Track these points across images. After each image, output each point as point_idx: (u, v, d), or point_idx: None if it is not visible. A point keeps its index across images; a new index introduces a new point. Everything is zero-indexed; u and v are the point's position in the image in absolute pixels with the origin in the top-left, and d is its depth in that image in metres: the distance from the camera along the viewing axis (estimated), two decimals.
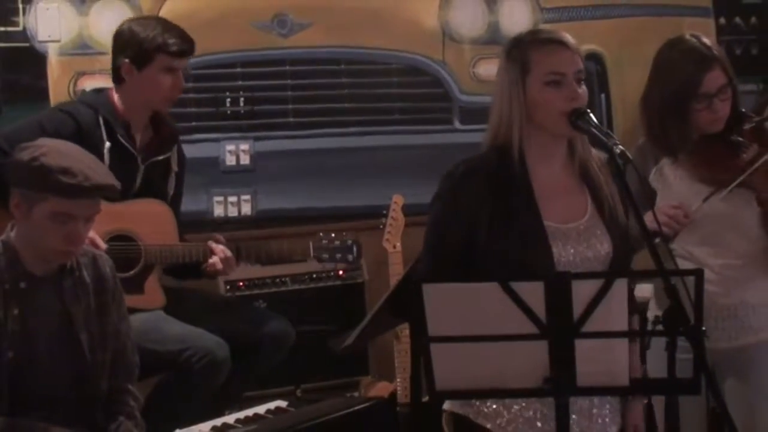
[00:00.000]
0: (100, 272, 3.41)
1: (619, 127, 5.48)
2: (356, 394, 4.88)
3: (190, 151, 5.03)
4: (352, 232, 4.38)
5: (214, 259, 4.09)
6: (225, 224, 4.57)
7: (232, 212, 5.22)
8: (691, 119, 3.49)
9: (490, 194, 2.93)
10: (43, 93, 4.79)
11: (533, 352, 2.52)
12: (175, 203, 4.25)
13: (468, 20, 5.55)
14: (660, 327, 2.60)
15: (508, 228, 2.91)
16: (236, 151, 5.23)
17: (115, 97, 4.10)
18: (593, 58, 5.48)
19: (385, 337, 4.62)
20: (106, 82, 4.24)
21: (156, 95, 4.08)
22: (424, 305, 2.51)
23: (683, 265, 3.42)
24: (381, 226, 4.85)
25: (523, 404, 2.91)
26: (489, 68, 5.56)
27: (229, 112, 5.21)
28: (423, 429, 4.54)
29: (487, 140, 3.03)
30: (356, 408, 3.60)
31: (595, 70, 5.50)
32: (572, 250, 2.92)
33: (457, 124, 5.57)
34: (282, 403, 3.66)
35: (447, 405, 3.05)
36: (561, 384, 2.53)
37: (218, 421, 3.50)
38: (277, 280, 4.92)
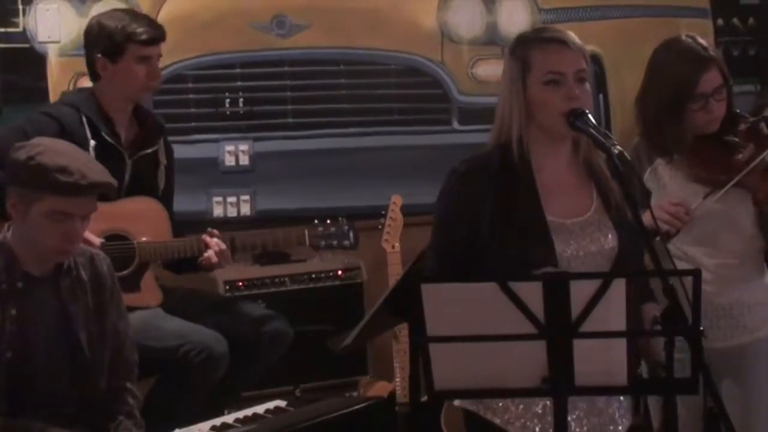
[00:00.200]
0: (98, 271, 3.41)
1: (616, 127, 5.49)
2: (355, 393, 4.89)
3: (190, 151, 5.07)
4: (348, 219, 4.38)
5: (209, 253, 4.10)
6: (224, 224, 4.57)
7: (232, 212, 5.22)
8: (686, 119, 3.50)
9: (493, 191, 2.94)
10: (43, 94, 4.78)
11: (532, 352, 2.52)
12: (167, 197, 4.26)
13: (466, 21, 5.55)
14: (658, 327, 2.62)
15: (510, 224, 2.92)
16: (235, 152, 5.23)
17: (97, 94, 4.10)
18: (591, 58, 5.48)
19: (384, 337, 4.62)
20: None
21: (133, 86, 4.07)
22: (423, 305, 2.51)
23: (679, 264, 3.44)
24: (380, 227, 4.86)
25: (532, 399, 2.91)
26: (487, 69, 5.58)
27: (228, 112, 5.21)
28: (422, 428, 4.56)
29: (492, 137, 3.05)
30: (355, 408, 3.59)
31: (593, 71, 5.51)
32: (575, 245, 2.93)
33: (456, 125, 5.58)
34: (281, 403, 3.64)
35: (457, 402, 3.06)
36: (559, 384, 2.53)
37: (217, 421, 3.48)
38: (276, 280, 4.93)
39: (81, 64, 4.18)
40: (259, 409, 3.58)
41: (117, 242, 4.00)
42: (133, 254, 4.04)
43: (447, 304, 2.53)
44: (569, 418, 2.92)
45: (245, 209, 5.25)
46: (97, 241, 3.86)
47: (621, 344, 2.54)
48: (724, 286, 3.50)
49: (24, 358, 3.25)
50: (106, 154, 3.96)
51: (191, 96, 5.14)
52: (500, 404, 2.96)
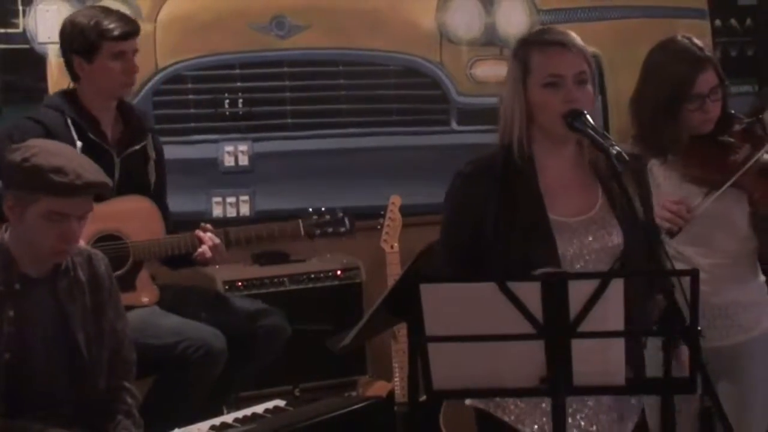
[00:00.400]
0: (96, 271, 3.41)
1: (614, 128, 5.49)
2: (354, 393, 4.89)
3: (189, 152, 5.07)
4: (343, 208, 4.40)
5: (203, 248, 4.09)
6: (224, 225, 4.57)
7: (231, 213, 5.22)
8: (682, 119, 3.51)
9: (496, 192, 2.96)
10: (42, 94, 4.75)
11: (530, 352, 2.52)
12: (159, 192, 4.25)
13: (465, 22, 5.56)
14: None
15: (512, 224, 2.94)
16: (235, 152, 5.23)
17: (79, 95, 4.09)
18: None
19: (383, 336, 4.62)
20: None
21: (111, 83, 4.05)
22: (422, 305, 2.52)
23: (674, 264, 3.44)
24: (379, 227, 4.87)
25: (541, 398, 2.91)
26: (486, 69, 5.59)
27: (227, 113, 5.21)
28: (420, 428, 4.57)
29: (497, 138, 3.06)
30: (354, 407, 3.60)
31: None
32: (578, 243, 2.94)
33: (455, 125, 5.58)
34: (280, 403, 3.65)
35: (468, 401, 3.06)
36: (557, 383, 2.54)
37: (217, 421, 3.49)
38: (276, 280, 4.93)
39: None
40: (259, 408, 3.59)
41: (110, 242, 3.98)
42: (127, 254, 4.03)
43: (445, 303, 2.53)
44: (578, 417, 2.95)
45: (244, 209, 5.25)
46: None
47: (619, 344, 2.54)
48: (719, 286, 3.51)
49: (22, 359, 3.25)
50: (93, 154, 3.88)
51: (191, 96, 5.14)
52: (510, 403, 2.97)
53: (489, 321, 2.51)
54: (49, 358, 3.30)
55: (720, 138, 3.55)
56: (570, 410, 2.92)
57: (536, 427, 2.95)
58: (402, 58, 5.47)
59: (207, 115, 5.18)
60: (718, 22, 6.00)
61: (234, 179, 5.25)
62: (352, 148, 5.42)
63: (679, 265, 3.41)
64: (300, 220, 4.30)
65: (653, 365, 2.85)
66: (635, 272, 2.93)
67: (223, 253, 4.14)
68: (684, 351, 2.78)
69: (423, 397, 2.91)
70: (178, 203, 4.55)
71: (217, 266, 4.62)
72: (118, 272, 3.89)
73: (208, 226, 4.15)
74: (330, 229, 4.35)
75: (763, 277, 3.70)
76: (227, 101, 5.21)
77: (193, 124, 5.15)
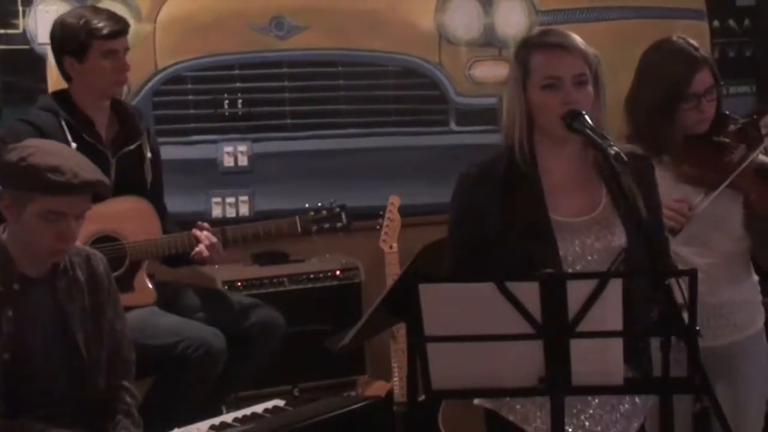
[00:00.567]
0: (94, 271, 3.42)
1: (614, 128, 5.50)
2: (353, 393, 4.89)
3: (189, 152, 5.07)
4: (339, 202, 4.41)
5: (200, 247, 4.09)
6: (223, 225, 4.57)
7: (230, 213, 5.22)
8: (678, 119, 3.52)
9: (499, 193, 2.97)
10: (42, 95, 4.77)
11: (529, 352, 2.52)
12: (155, 191, 4.24)
13: (464, 23, 5.56)
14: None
15: (514, 224, 2.95)
16: (234, 153, 5.23)
17: (72, 95, 4.08)
18: None
19: (382, 336, 4.62)
20: None
21: (102, 82, 4.05)
22: (421, 305, 2.52)
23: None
24: (378, 227, 4.87)
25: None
26: (484, 70, 5.59)
27: (227, 113, 5.21)
28: (419, 428, 4.58)
29: (498, 139, 3.08)
30: (353, 407, 3.60)
31: None
32: (580, 243, 2.95)
33: (453, 126, 5.59)
34: (279, 403, 3.65)
35: (477, 401, 3.07)
36: (556, 383, 2.54)
37: (216, 420, 3.49)
38: (275, 280, 4.93)
39: None
40: (258, 408, 3.59)
41: (107, 243, 3.98)
42: (124, 254, 4.03)
43: (444, 303, 2.54)
44: (582, 417, 2.96)
45: (244, 210, 5.25)
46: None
47: (618, 344, 2.54)
48: (714, 286, 3.52)
49: (22, 359, 3.25)
50: (88, 155, 3.81)
51: (190, 97, 5.14)
52: (516, 402, 2.98)
53: (488, 321, 2.52)
54: (48, 358, 3.30)
55: (715, 138, 3.56)
56: (575, 410, 2.95)
57: (542, 426, 2.95)
58: (401, 58, 5.47)
59: (206, 115, 5.18)
60: (716, 23, 6.00)
61: (233, 179, 5.25)
62: (351, 148, 5.43)
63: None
64: (297, 217, 4.31)
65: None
66: (633, 272, 2.93)
67: (220, 252, 4.14)
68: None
69: (422, 397, 2.92)
70: (177, 203, 4.55)
71: (217, 266, 4.63)
72: (116, 273, 3.88)
73: (205, 225, 4.15)
74: (327, 225, 4.36)
75: (756, 277, 3.71)
76: (227, 102, 5.21)
77: (192, 125, 5.15)
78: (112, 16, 4.09)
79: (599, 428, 2.96)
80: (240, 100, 5.24)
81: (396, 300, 3.41)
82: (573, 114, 2.90)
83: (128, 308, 3.70)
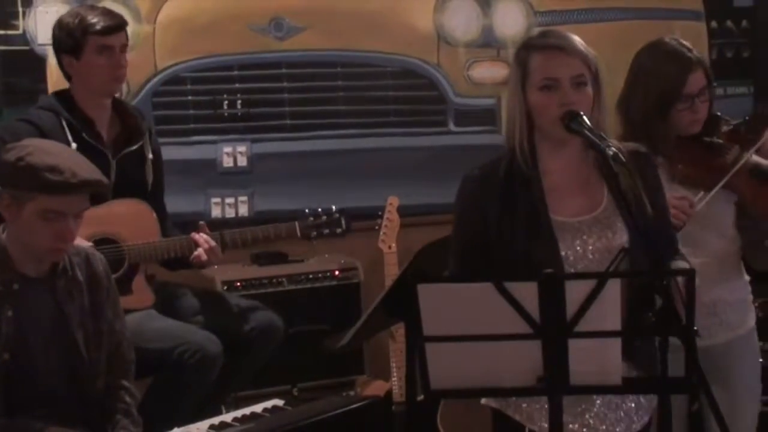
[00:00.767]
0: (94, 271, 3.42)
1: (612, 128, 5.51)
2: (352, 393, 4.89)
3: (188, 152, 5.07)
4: (339, 207, 4.41)
5: (199, 251, 4.09)
6: (222, 225, 4.58)
7: (230, 213, 5.22)
8: (671, 120, 3.53)
9: (500, 195, 2.98)
10: (43, 95, 4.77)
11: (527, 352, 2.53)
12: (156, 192, 4.24)
13: (462, 24, 5.57)
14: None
15: (515, 225, 2.96)
16: (233, 153, 5.23)
17: (73, 95, 4.08)
18: None
19: (381, 336, 4.63)
20: None
21: (98, 79, 4.04)
22: (419, 305, 2.53)
23: None
24: (376, 227, 4.87)
25: None
26: (483, 71, 5.60)
27: (226, 114, 5.21)
28: (418, 427, 4.58)
29: (498, 140, 3.09)
30: (352, 407, 3.59)
31: None
32: (581, 243, 2.95)
33: (452, 126, 5.59)
34: (279, 402, 3.66)
35: (484, 400, 3.08)
36: (554, 383, 2.55)
37: (216, 420, 3.50)
38: (274, 280, 4.93)
39: None
40: (257, 408, 3.59)
41: (106, 246, 3.97)
42: (123, 257, 4.03)
43: (443, 303, 2.54)
44: (587, 416, 2.96)
45: (243, 210, 5.26)
46: (87, 245, 3.85)
47: (616, 344, 2.55)
48: (707, 285, 3.53)
49: (21, 359, 3.26)
50: (88, 155, 3.81)
51: (190, 98, 5.13)
52: (522, 402, 2.99)
53: (486, 321, 2.52)
54: (47, 358, 3.30)
55: (708, 139, 3.58)
56: (579, 409, 2.96)
57: (547, 425, 2.96)
58: (400, 59, 5.47)
59: (206, 116, 5.18)
60: (714, 24, 6.00)
61: (232, 180, 5.25)
62: (350, 149, 5.43)
63: None
64: (296, 222, 4.31)
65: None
66: (631, 272, 2.93)
67: (219, 256, 4.14)
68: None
69: (421, 397, 2.92)
70: (176, 204, 4.55)
71: (216, 266, 4.63)
72: (114, 276, 3.86)
73: (204, 227, 4.15)
74: (326, 230, 4.36)
75: (747, 277, 3.73)
76: (226, 102, 5.21)
77: (192, 125, 5.15)
78: (107, 13, 4.09)
79: (604, 427, 2.97)
80: (239, 101, 5.23)
81: (395, 300, 3.41)
82: (571, 115, 2.90)
83: (126, 311, 3.70)
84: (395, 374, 4.80)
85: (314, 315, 4.93)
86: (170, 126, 5.05)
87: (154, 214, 4.14)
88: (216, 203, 5.22)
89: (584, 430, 2.96)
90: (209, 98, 5.19)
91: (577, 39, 3.01)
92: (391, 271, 4.76)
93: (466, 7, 5.58)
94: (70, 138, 3.97)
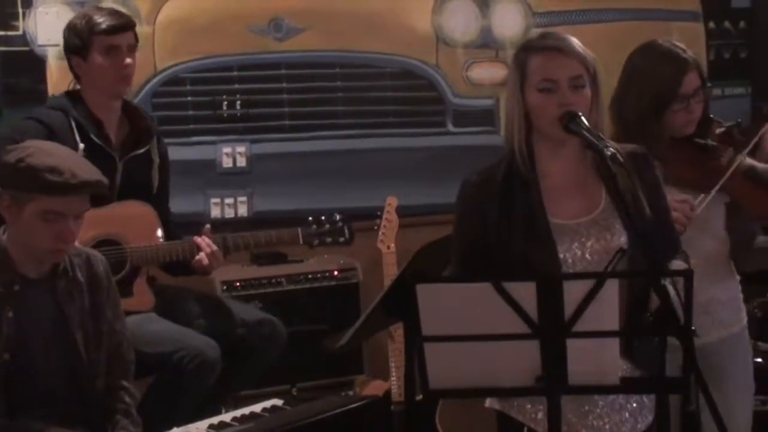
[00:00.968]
0: (94, 271, 3.43)
1: (608, 130, 5.51)
2: (351, 392, 4.88)
3: (187, 153, 5.07)
4: (342, 214, 4.41)
5: (201, 255, 4.08)
6: (221, 226, 4.58)
7: (229, 214, 5.22)
8: (665, 121, 3.54)
9: (499, 198, 2.99)
10: (42, 96, 4.76)
11: (525, 352, 2.54)
12: (161, 196, 4.24)
13: (461, 25, 5.57)
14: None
15: (514, 228, 2.96)
16: (233, 154, 5.24)
17: (83, 96, 4.08)
18: None
19: (380, 336, 4.64)
20: None
21: (105, 79, 4.04)
22: (418, 305, 2.53)
23: None
24: (375, 228, 4.87)
25: None
26: (481, 72, 5.61)
27: (225, 114, 5.21)
28: (417, 427, 4.58)
29: (497, 141, 3.10)
30: (351, 406, 3.61)
31: None
32: (579, 245, 2.95)
33: (451, 127, 5.59)
34: (278, 402, 3.66)
35: (488, 403, 3.09)
36: (552, 383, 2.55)
37: (215, 420, 3.51)
38: (273, 280, 4.93)
39: None
40: (257, 407, 3.60)
41: (109, 247, 3.97)
42: (125, 259, 4.02)
43: (442, 303, 2.55)
44: (590, 417, 2.96)
45: (242, 210, 5.26)
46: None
47: (614, 343, 2.55)
48: (700, 285, 3.53)
49: (22, 359, 3.26)
50: (95, 156, 3.87)
51: (189, 98, 5.14)
52: (526, 402, 2.99)
53: (485, 321, 2.53)
54: (48, 359, 3.31)
55: (702, 141, 3.58)
56: (583, 410, 2.96)
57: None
58: (398, 60, 5.47)
59: (205, 116, 5.18)
60: (711, 25, 6.01)
61: (232, 180, 5.25)
62: (349, 149, 5.43)
63: None
64: (299, 229, 4.31)
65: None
66: (629, 273, 2.93)
67: (220, 260, 4.13)
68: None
69: (419, 397, 2.93)
70: (176, 204, 4.55)
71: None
72: (116, 277, 3.84)
73: (207, 230, 4.14)
74: (329, 239, 4.35)
75: (737, 276, 3.74)
76: (225, 103, 5.21)
77: (191, 126, 5.15)
78: (114, 13, 4.10)
79: (608, 427, 2.97)
80: (239, 102, 5.23)
81: (394, 300, 3.42)
82: (570, 116, 2.90)
83: (126, 313, 3.70)
84: (394, 374, 4.81)
85: (313, 315, 4.93)
86: (170, 126, 5.05)
87: (158, 217, 4.14)
88: (215, 203, 5.22)
89: (583, 431, 2.97)
90: (209, 99, 5.19)
91: (575, 41, 3.02)
92: (390, 271, 4.76)
93: (465, 8, 5.58)
94: (78, 138, 3.97)
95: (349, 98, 5.43)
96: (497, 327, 2.53)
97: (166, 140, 4.40)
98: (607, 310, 2.51)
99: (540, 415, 2.96)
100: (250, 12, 5.23)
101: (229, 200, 5.24)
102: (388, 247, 4.84)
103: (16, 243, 3.29)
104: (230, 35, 5.19)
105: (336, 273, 5.03)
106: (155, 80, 5.06)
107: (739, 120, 3.68)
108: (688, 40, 3.71)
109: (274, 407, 3.63)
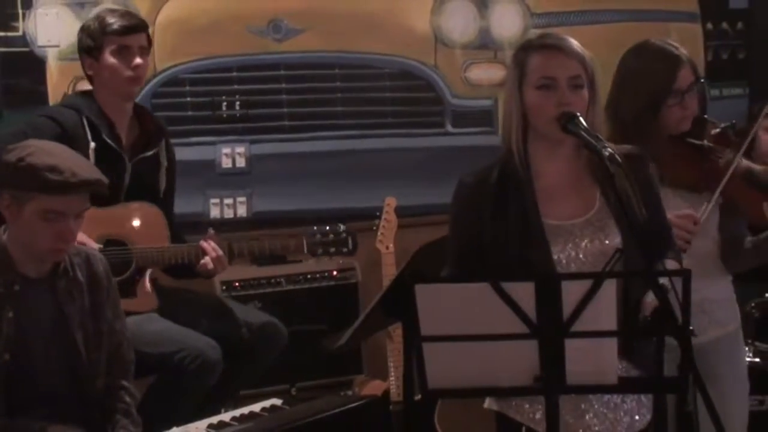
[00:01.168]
0: (94, 271, 3.43)
1: (604, 131, 5.51)
2: (350, 392, 4.89)
3: (187, 153, 5.06)
4: (346, 225, 4.40)
5: (206, 259, 4.08)
6: (221, 226, 4.58)
7: (228, 214, 5.22)
8: (662, 118, 3.54)
9: (493, 199, 2.99)
10: (42, 97, 4.78)
11: (524, 351, 2.54)
12: (167, 198, 4.25)
13: (459, 25, 5.57)
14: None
15: (508, 229, 2.96)
16: (232, 154, 5.24)
17: (96, 97, 4.09)
18: None
19: (379, 336, 4.64)
20: None
21: (115, 79, 4.04)
22: (417, 305, 2.54)
23: None
24: (374, 228, 4.88)
25: None
26: (480, 72, 5.61)
27: (225, 115, 5.21)
28: (415, 427, 4.59)
29: (495, 141, 3.10)
30: (350, 406, 3.61)
31: None
32: (573, 246, 2.95)
33: (449, 128, 5.60)
34: (277, 401, 3.67)
35: (486, 404, 3.09)
36: (550, 382, 2.56)
37: (214, 419, 3.51)
38: (272, 280, 4.94)
39: (80, 68, 4.19)
40: (256, 407, 3.61)
41: (114, 247, 3.98)
42: (130, 260, 4.02)
43: (440, 303, 2.55)
44: (587, 416, 2.96)
45: (242, 211, 5.26)
46: (96, 246, 3.85)
47: (612, 343, 2.56)
48: (695, 285, 3.54)
49: (22, 359, 3.27)
50: (106, 156, 3.95)
51: (188, 99, 5.14)
52: (525, 402, 2.99)
53: (483, 321, 2.53)
54: (48, 358, 3.31)
55: (698, 142, 3.59)
56: (579, 410, 2.96)
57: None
58: (397, 61, 5.47)
59: (205, 117, 5.18)
60: (709, 26, 6.01)
61: (231, 181, 5.25)
62: (348, 150, 5.43)
63: None
64: (303, 238, 4.30)
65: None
66: (627, 273, 2.94)
67: (225, 265, 4.14)
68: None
69: (418, 396, 2.94)
70: (175, 205, 4.55)
71: None
72: (120, 277, 3.89)
73: (212, 234, 4.14)
74: (333, 249, 4.35)
75: (730, 276, 3.75)
76: (225, 104, 5.21)
77: (190, 126, 5.15)
78: (126, 14, 4.12)
79: (605, 426, 2.97)
80: (238, 102, 5.23)
81: (392, 300, 3.43)
82: (568, 116, 2.91)
83: (128, 314, 3.71)
84: (393, 374, 4.81)
85: (312, 315, 4.93)
86: (169, 127, 5.02)
87: (165, 219, 4.14)
88: (215, 204, 5.22)
89: (584, 430, 2.97)
90: (208, 99, 5.19)
91: (574, 42, 3.03)
92: (389, 272, 4.77)
93: (463, 8, 5.59)
94: (90, 137, 3.98)
95: (348, 99, 5.43)
96: (496, 327, 2.53)
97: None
98: (605, 310, 2.52)
99: (538, 415, 2.95)
100: (249, 13, 5.23)
101: (228, 201, 5.24)
102: (387, 248, 4.85)
103: (16, 242, 3.29)
104: (229, 36, 5.19)
105: (335, 273, 5.04)
106: (155, 81, 5.06)
107: (734, 121, 3.69)
108: (686, 41, 3.72)
109: (273, 407, 3.63)
